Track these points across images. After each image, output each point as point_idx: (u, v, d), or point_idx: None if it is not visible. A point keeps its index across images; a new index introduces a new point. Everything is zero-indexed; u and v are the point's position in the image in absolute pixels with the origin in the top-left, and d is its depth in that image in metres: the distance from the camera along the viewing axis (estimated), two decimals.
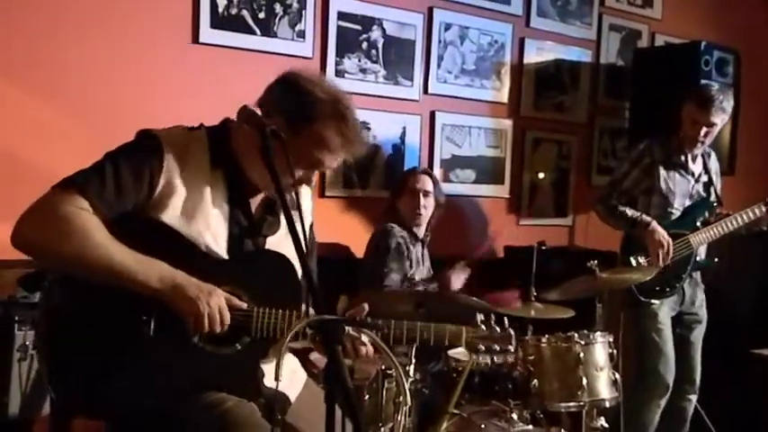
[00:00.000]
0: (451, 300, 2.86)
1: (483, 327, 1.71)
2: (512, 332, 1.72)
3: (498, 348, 1.71)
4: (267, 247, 1.67)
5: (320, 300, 1.29)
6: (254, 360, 1.59)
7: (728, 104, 2.94)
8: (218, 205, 1.59)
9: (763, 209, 3.05)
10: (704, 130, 2.94)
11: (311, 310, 1.55)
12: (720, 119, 2.95)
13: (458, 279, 2.98)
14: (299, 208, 1.43)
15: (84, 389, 1.49)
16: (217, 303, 1.49)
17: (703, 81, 3.64)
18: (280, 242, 1.68)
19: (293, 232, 1.34)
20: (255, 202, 1.69)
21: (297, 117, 1.57)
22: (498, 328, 1.72)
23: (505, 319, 1.76)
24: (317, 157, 1.58)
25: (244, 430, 1.49)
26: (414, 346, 2.32)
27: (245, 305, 1.54)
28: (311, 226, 1.89)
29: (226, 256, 1.59)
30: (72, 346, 1.49)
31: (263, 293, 1.57)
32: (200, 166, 1.58)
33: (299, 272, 1.63)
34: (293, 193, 1.49)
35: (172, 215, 1.53)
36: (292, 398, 1.71)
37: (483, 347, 1.70)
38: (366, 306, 1.65)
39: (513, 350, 1.73)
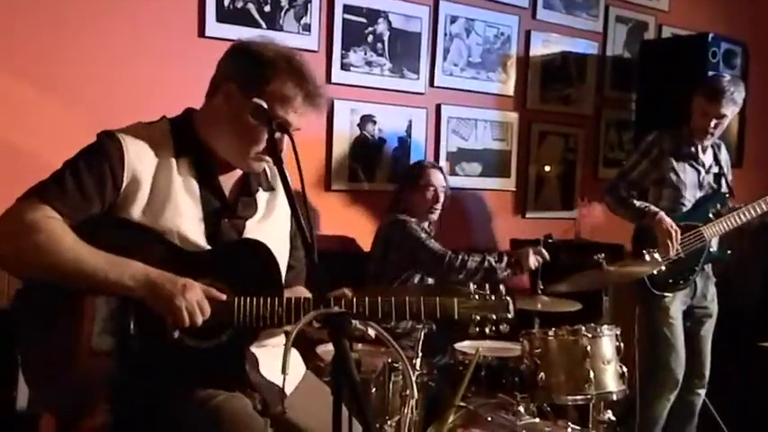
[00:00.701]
0: (458, 292, 2.86)
1: (476, 296, 1.64)
2: (509, 299, 1.65)
3: (495, 317, 1.63)
4: (247, 231, 1.65)
5: (322, 278, 1.28)
6: (241, 349, 1.57)
7: (740, 96, 2.93)
8: (189, 192, 1.58)
9: None
10: (714, 121, 2.93)
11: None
12: (731, 110, 2.94)
13: (534, 258, 2.84)
14: (286, 182, 1.42)
15: (72, 393, 1.49)
16: (193, 296, 1.47)
17: (711, 73, 3.62)
18: (258, 225, 1.67)
19: (292, 205, 1.35)
20: (228, 184, 1.67)
21: (251, 80, 1.56)
22: (494, 296, 1.64)
23: (502, 287, 1.68)
24: (281, 116, 1.56)
25: (237, 424, 1.48)
26: (421, 335, 2.33)
27: (224, 296, 1.52)
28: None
29: (204, 243, 1.57)
30: (51, 351, 1.48)
31: (243, 283, 1.55)
32: (164, 158, 1.57)
33: (279, 259, 1.61)
34: (279, 169, 1.47)
35: (138, 211, 1.52)
36: (289, 390, 1.70)
37: (478, 317, 1.62)
38: (347, 291, 1.61)
39: (510, 317, 1.64)
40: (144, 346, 1.50)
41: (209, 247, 1.58)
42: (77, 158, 1.53)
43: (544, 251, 2.86)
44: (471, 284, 1.69)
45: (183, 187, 1.57)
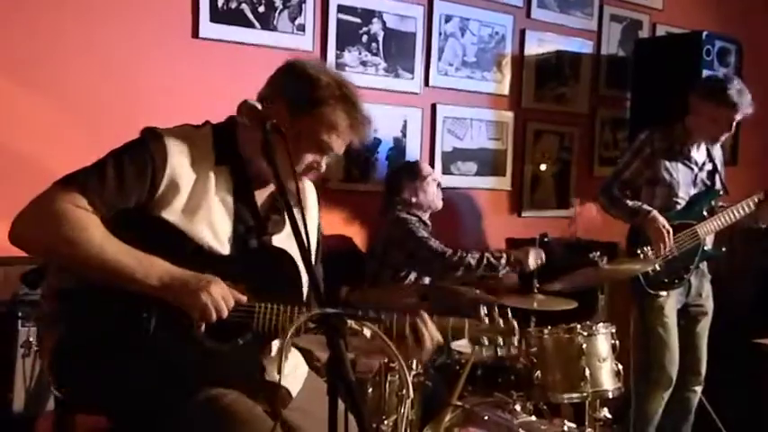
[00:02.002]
0: (455, 292, 2.86)
1: (486, 320, 1.70)
2: (515, 324, 1.70)
3: (502, 342, 1.70)
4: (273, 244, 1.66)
5: (324, 300, 1.29)
6: (254, 355, 1.59)
7: (749, 101, 2.92)
8: (223, 202, 1.59)
9: (756, 199, 3.02)
10: (727, 132, 2.94)
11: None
12: (742, 115, 2.95)
13: (534, 257, 2.87)
14: (300, 204, 1.43)
15: (87, 387, 1.50)
16: (219, 291, 1.48)
17: (706, 72, 3.63)
18: (284, 241, 1.67)
19: (294, 227, 1.34)
20: (261, 198, 1.68)
21: (302, 101, 1.57)
22: (501, 321, 1.70)
23: (509, 311, 1.74)
24: (325, 140, 1.58)
25: (245, 424, 1.49)
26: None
27: (245, 299, 1.54)
28: (318, 227, 1.88)
29: (227, 253, 1.58)
30: (74, 344, 1.49)
31: (265, 290, 1.56)
32: (204, 164, 1.58)
33: (302, 269, 1.63)
34: (296, 190, 1.48)
35: (174, 212, 1.53)
36: (294, 392, 1.71)
37: (486, 341, 1.68)
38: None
39: (516, 343, 1.70)
40: (159, 343, 1.51)
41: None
42: (122, 152, 1.53)
43: (543, 253, 2.87)
44: (482, 308, 1.72)
45: (218, 198, 1.58)
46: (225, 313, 1.49)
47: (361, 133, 1.63)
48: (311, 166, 1.61)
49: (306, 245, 1.34)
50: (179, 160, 1.54)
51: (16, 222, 1.46)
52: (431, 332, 1.60)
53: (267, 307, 1.54)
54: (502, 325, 1.69)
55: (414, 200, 3.08)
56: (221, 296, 1.48)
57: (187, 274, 1.48)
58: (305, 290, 1.67)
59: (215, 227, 1.57)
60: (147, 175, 1.51)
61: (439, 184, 3.15)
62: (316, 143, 1.59)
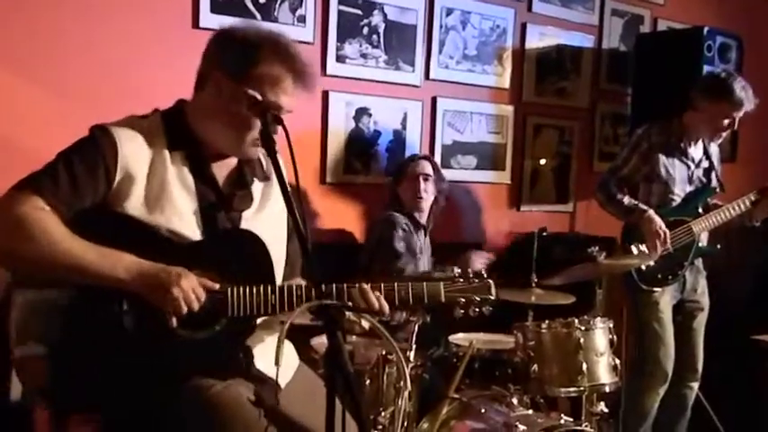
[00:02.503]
0: (445, 277, 2.87)
1: (461, 279, 1.72)
2: (490, 282, 1.72)
3: (478, 299, 1.70)
4: (243, 223, 1.65)
5: (315, 268, 1.29)
6: (236, 339, 1.58)
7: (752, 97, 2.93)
8: (183, 186, 1.57)
9: (751, 197, 3.03)
10: (729, 129, 2.95)
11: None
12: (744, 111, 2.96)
13: (478, 260, 2.92)
14: (280, 173, 1.42)
15: (70, 391, 1.50)
16: (188, 284, 1.47)
17: (707, 67, 3.62)
18: (254, 217, 1.66)
19: (288, 202, 1.35)
20: (222, 175, 1.66)
21: (238, 66, 1.54)
22: (477, 279, 1.72)
23: (483, 271, 1.75)
24: (272, 99, 1.54)
25: (232, 413, 1.48)
26: (415, 327, 2.34)
27: (216, 285, 1.52)
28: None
29: (198, 236, 1.57)
30: (50, 345, 1.48)
31: (235, 273, 1.55)
32: (158, 152, 1.56)
33: (275, 250, 1.62)
34: (272, 159, 1.47)
35: (133, 205, 1.51)
36: (283, 382, 1.69)
37: (463, 299, 1.69)
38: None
39: (493, 298, 1.71)
40: (137, 339, 1.50)
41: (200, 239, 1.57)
42: (70, 151, 1.52)
43: (486, 254, 2.93)
44: (455, 269, 1.75)
45: (177, 181, 1.56)
46: (196, 306, 1.48)
47: (305, 82, 1.58)
48: (266, 130, 1.55)
49: (297, 216, 1.34)
50: (131, 151, 1.53)
51: None
52: (379, 299, 1.61)
53: (239, 290, 1.53)
54: (477, 282, 1.70)
55: (398, 198, 3.09)
56: (191, 288, 1.47)
57: (156, 268, 1.47)
58: (277, 270, 1.65)
59: (179, 210, 1.55)
60: (100, 171, 1.50)
61: (420, 185, 3.04)
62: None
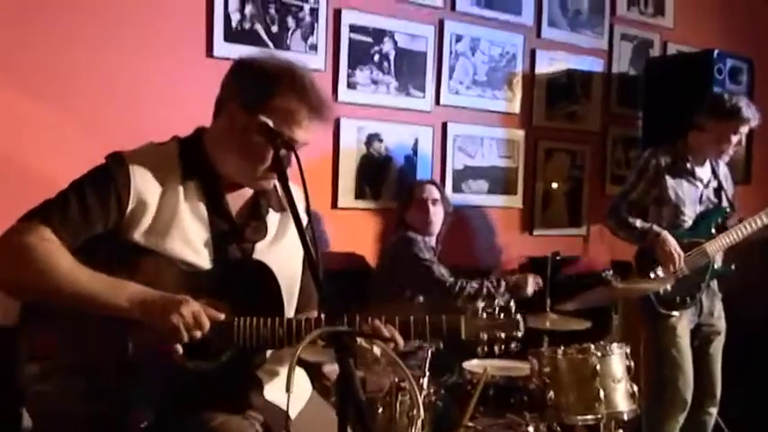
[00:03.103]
0: (463, 311, 2.84)
1: (484, 315, 1.61)
2: (519, 318, 1.61)
3: (504, 336, 1.59)
4: (256, 254, 1.63)
5: (329, 302, 1.27)
6: (242, 371, 1.56)
7: (755, 115, 2.94)
8: (195, 215, 1.56)
9: None
10: (733, 147, 2.95)
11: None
12: (746, 130, 2.96)
13: (532, 283, 2.90)
14: (292, 205, 1.41)
15: (69, 420, 1.48)
16: (189, 310, 1.44)
17: (717, 89, 3.61)
18: (269, 248, 1.65)
19: (300, 230, 1.34)
20: (237, 206, 1.65)
21: (254, 97, 1.54)
22: (503, 314, 1.60)
23: (512, 305, 1.64)
24: (287, 132, 1.53)
25: None
26: (428, 354, 2.31)
27: (222, 315, 1.50)
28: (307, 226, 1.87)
29: (208, 266, 1.55)
30: (53, 377, 1.48)
31: (244, 304, 1.53)
32: (171, 181, 1.55)
33: (290, 281, 1.61)
34: (285, 193, 1.46)
35: (143, 233, 1.51)
36: (295, 412, 1.65)
37: (486, 336, 1.58)
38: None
39: (521, 335, 1.59)
40: (142, 369, 1.49)
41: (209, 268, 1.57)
42: (83, 181, 1.53)
43: (539, 278, 2.90)
44: (479, 302, 1.65)
45: (189, 211, 1.56)
46: (197, 333, 1.45)
47: (321, 116, 1.56)
48: (279, 164, 1.54)
49: (313, 254, 1.32)
50: (143, 180, 1.52)
51: None
52: (393, 333, 1.55)
53: (246, 321, 1.51)
54: (503, 319, 1.59)
55: (407, 222, 3.09)
56: (194, 316, 1.45)
57: (157, 295, 1.45)
58: (291, 301, 1.64)
59: (190, 239, 1.54)
60: (112, 201, 1.49)
61: (428, 209, 3.05)
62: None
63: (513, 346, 1.61)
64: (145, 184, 1.53)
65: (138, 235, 1.51)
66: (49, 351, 1.50)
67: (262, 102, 1.53)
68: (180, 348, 1.46)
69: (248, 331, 1.50)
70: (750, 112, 2.90)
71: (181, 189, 1.56)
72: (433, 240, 3.11)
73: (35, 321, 1.51)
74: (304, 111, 1.54)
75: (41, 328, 1.50)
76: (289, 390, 1.16)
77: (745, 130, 2.93)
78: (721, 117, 2.91)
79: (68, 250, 1.45)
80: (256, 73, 1.57)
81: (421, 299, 2.97)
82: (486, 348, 1.60)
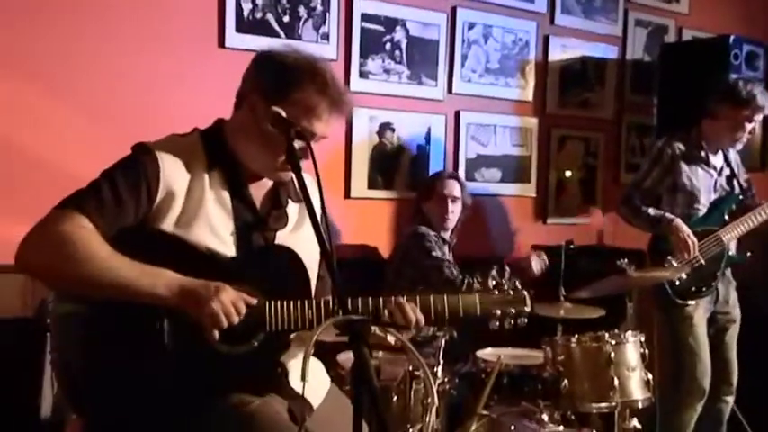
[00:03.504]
0: (479, 289, 2.85)
1: (496, 291, 1.70)
2: (525, 293, 1.70)
3: (514, 311, 1.68)
4: (278, 241, 1.66)
5: (342, 291, 1.28)
6: (272, 354, 1.58)
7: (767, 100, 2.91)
8: (221, 204, 1.59)
9: None
10: (747, 134, 2.92)
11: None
12: (761, 117, 2.93)
13: (537, 264, 2.91)
14: (306, 197, 1.43)
15: (108, 409, 1.51)
16: (228, 297, 1.48)
17: (733, 75, 3.57)
18: (289, 236, 1.68)
19: (313, 218, 1.36)
20: (259, 196, 1.68)
21: (275, 90, 1.56)
22: (512, 291, 1.70)
23: (517, 282, 1.74)
24: (306, 125, 1.56)
25: (269, 429, 1.49)
26: (442, 342, 2.32)
27: (254, 300, 1.53)
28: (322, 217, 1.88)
29: (234, 254, 1.58)
30: (91, 369, 1.50)
31: (273, 289, 1.56)
32: (197, 171, 1.58)
33: (308, 266, 1.63)
34: (298, 182, 1.48)
35: (172, 223, 1.53)
36: (315, 404, 1.70)
37: (498, 312, 1.67)
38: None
39: (528, 310, 1.70)
40: (177, 354, 1.51)
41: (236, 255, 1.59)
42: (114, 170, 1.54)
43: (544, 255, 2.88)
44: (491, 280, 1.73)
45: (215, 200, 1.58)
46: (236, 319, 1.48)
47: (340, 110, 1.60)
48: (302, 154, 1.56)
49: (323, 235, 1.34)
50: (171, 169, 1.55)
51: (21, 250, 1.46)
52: (415, 311, 1.60)
53: (277, 304, 1.54)
54: (512, 294, 1.69)
55: (425, 215, 3.08)
56: (231, 302, 1.48)
57: (195, 283, 1.48)
58: (312, 286, 1.66)
59: (215, 228, 1.57)
60: (142, 190, 1.51)
61: (448, 206, 3.04)
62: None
63: (521, 320, 1.70)
64: (173, 174, 1.55)
65: (166, 223, 1.53)
66: (81, 333, 1.52)
67: (283, 94, 1.56)
68: (216, 334, 1.48)
69: (279, 314, 1.53)
70: (765, 99, 2.87)
71: (206, 178, 1.59)
72: (447, 234, 3.11)
73: (66, 304, 1.53)
74: (324, 104, 1.57)
75: (72, 313, 1.52)
76: (304, 378, 1.17)
77: (759, 117, 2.90)
78: (735, 104, 2.88)
79: (104, 238, 1.47)
80: (278, 66, 1.59)
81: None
82: (497, 323, 1.70)
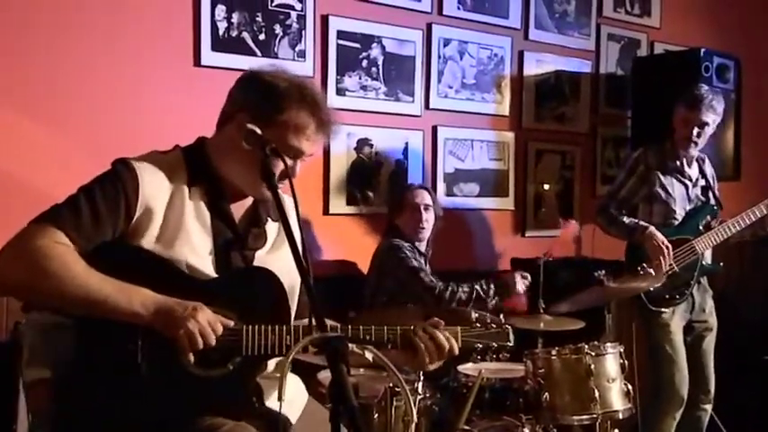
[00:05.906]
0: (457, 314, 2.85)
1: (478, 324, 1.69)
2: (509, 327, 1.69)
3: (496, 345, 1.68)
4: (256, 262, 1.65)
5: (320, 312, 1.27)
6: (248, 378, 1.56)
7: (719, 105, 3.00)
8: (200, 222, 1.58)
9: (764, 210, 3.05)
10: (696, 129, 2.97)
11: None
12: (711, 119, 2.99)
13: (521, 284, 2.95)
14: (283, 216, 1.43)
15: (77, 424, 1.48)
16: (204, 317, 1.46)
17: (704, 87, 3.63)
18: (267, 257, 1.67)
19: (290, 238, 1.35)
20: (239, 213, 1.67)
21: (264, 110, 1.57)
22: (495, 325, 1.69)
23: (501, 317, 1.75)
24: (294, 145, 1.57)
25: None
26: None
27: (231, 323, 1.51)
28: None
29: (213, 273, 1.57)
30: (61, 387, 1.48)
31: (251, 311, 1.54)
32: (177, 187, 1.57)
33: (289, 285, 1.62)
34: (274, 200, 1.48)
35: (151, 240, 1.52)
36: (293, 419, 1.68)
37: (480, 345, 1.67)
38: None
39: (511, 345, 1.70)
40: (151, 375, 1.49)
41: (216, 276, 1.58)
42: (93, 185, 1.53)
43: (527, 274, 2.93)
44: (473, 314, 1.74)
45: (194, 217, 1.57)
46: (212, 340, 1.46)
47: (328, 131, 1.62)
48: (284, 173, 1.57)
49: (303, 261, 1.33)
50: (151, 186, 1.53)
51: None
52: (449, 339, 1.61)
53: (255, 328, 1.52)
54: (495, 328, 1.68)
55: (399, 228, 3.09)
56: (208, 322, 1.46)
57: (171, 302, 1.46)
58: (293, 309, 1.65)
59: (195, 246, 1.55)
60: (121, 206, 1.50)
61: (421, 215, 3.05)
62: (285, 149, 1.56)
63: (503, 355, 1.70)
64: (153, 190, 1.54)
65: (145, 240, 1.52)
66: (53, 349, 1.50)
67: (273, 114, 1.56)
68: (192, 356, 1.46)
69: (256, 339, 1.51)
70: (711, 106, 2.94)
71: (186, 195, 1.58)
72: (423, 245, 3.11)
73: (39, 316, 1.52)
74: (313, 125, 1.59)
75: (44, 326, 1.51)
76: (281, 398, 1.16)
77: (707, 119, 2.96)
78: (682, 103, 2.99)
79: (80, 254, 1.45)
80: (268, 86, 1.59)
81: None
82: (479, 356, 1.68)
